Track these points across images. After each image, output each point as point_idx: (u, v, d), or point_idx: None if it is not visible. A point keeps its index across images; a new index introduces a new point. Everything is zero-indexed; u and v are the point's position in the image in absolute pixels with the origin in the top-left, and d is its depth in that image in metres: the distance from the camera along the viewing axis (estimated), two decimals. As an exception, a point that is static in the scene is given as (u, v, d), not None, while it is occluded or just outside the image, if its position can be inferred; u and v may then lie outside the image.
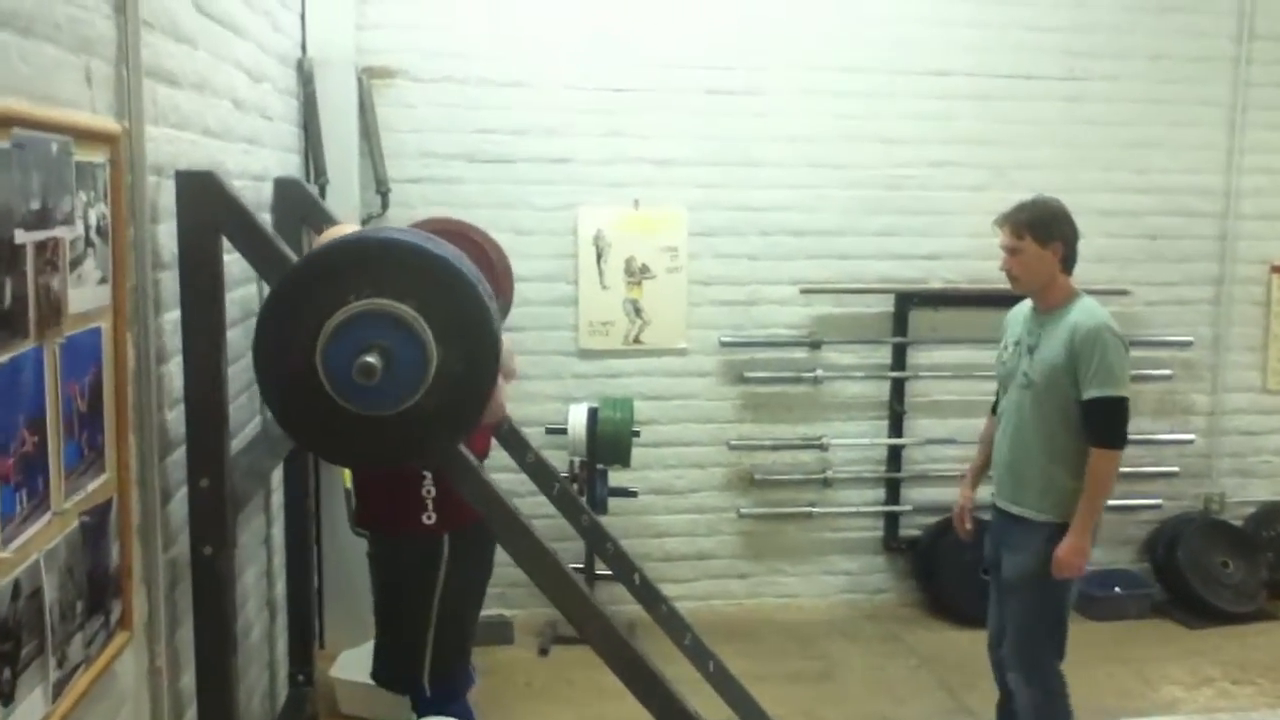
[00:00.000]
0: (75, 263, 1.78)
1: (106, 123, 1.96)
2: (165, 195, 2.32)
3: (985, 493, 3.56)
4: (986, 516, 3.55)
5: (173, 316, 2.36)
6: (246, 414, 3.17)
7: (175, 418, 2.40)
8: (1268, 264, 5.38)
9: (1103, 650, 4.70)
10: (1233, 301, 5.38)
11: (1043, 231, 3.20)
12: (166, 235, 2.35)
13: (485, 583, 3.05)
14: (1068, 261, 3.24)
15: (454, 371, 2.24)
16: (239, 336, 3.10)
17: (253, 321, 3.22)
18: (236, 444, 2.91)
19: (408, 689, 2.98)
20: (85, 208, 1.83)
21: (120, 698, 2.09)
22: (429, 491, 2.83)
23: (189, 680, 2.43)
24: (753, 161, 4.90)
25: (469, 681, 3.15)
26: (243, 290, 3.09)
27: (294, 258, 2.39)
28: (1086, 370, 3.09)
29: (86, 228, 1.83)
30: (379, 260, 2.25)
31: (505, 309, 4.51)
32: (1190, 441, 5.37)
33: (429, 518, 2.84)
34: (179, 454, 2.40)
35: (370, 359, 2.10)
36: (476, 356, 2.29)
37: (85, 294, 1.83)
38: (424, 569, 2.86)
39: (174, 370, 2.39)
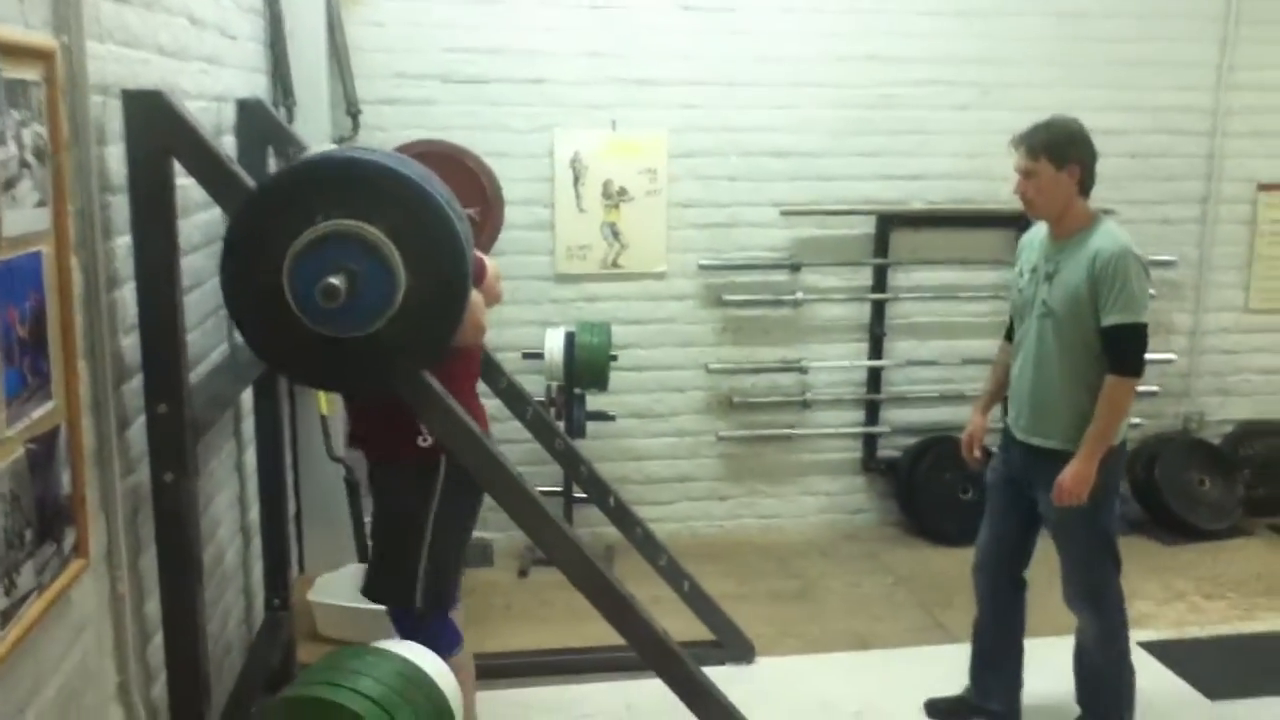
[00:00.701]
0: (9, 184, 1.73)
1: (40, 38, 1.90)
2: (113, 116, 2.26)
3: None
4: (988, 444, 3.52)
5: (125, 241, 2.32)
6: (213, 339, 3.13)
7: (131, 344, 2.36)
8: (1254, 182, 5.33)
9: (1078, 568, 4.75)
10: (1218, 221, 5.34)
11: (1058, 153, 3.08)
12: (116, 158, 2.29)
13: (479, 504, 3.06)
14: (1085, 184, 3.14)
15: (422, 296, 2.23)
16: (204, 260, 3.06)
17: (218, 246, 3.19)
18: (202, 369, 2.89)
19: (399, 604, 3.00)
20: (19, 127, 1.77)
21: (79, 624, 2.09)
22: None
23: (154, 606, 2.44)
24: (734, 82, 4.81)
25: (454, 600, 3.17)
26: (206, 214, 3.03)
27: (248, 181, 2.34)
28: (1108, 296, 3.00)
29: (21, 148, 1.78)
30: (348, 180, 2.23)
31: (494, 234, 4.46)
32: (1171, 361, 5.37)
33: (424, 440, 2.84)
34: (136, 381, 2.37)
35: (334, 280, 2.09)
36: (445, 282, 2.28)
37: (21, 216, 1.78)
38: (420, 489, 2.88)
39: (128, 295, 2.35)
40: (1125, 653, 3.29)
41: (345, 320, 2.17)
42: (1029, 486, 3.27)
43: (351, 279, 2.11)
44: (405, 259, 2.17)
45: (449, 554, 2.98)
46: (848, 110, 4.90)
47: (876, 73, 4.90)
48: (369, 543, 3.08)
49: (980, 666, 3.54)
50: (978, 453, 3.47)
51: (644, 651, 2.60)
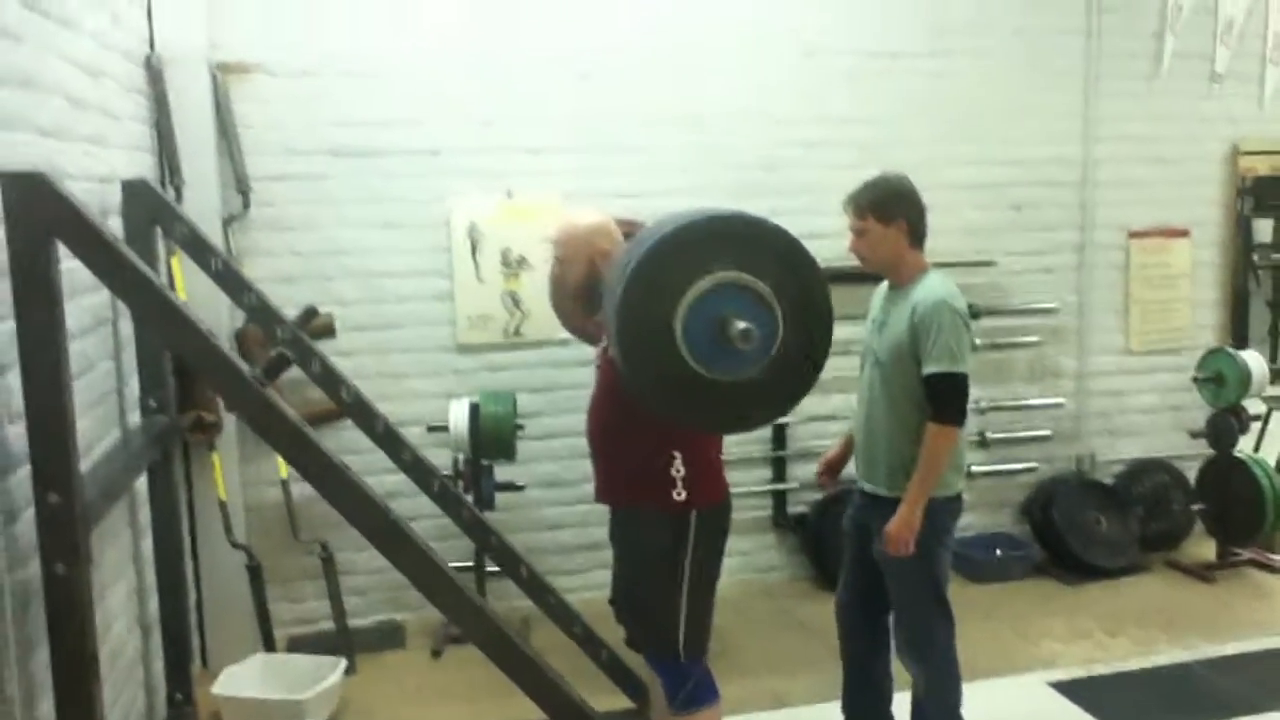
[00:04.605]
0: (-116, 272, 1.66)
1: (-86, 122, 1.84)
2: (-8, 199, 2.19)
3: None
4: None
5: (8, 327, 2.24)
6: (105, 425, 3.04)
7: (18, 433, 2.27)
8: (1125, 230, 5.58)
9: (984, 611, 4.82)
10: (1094, 267, 5.57)
11: (884, 210, 3.19)
12: (-2, 241, 2.22)
13: (723, 552, 3.14)
14: (915, 237, 3.23)
15: (793, 350, 2.49)
16: (95, 344, 2.98)
17: (105, 330, 3.12)
18: (93, 456, 2.80)
19: (665, 654, 3.05)
20: (-107, 213, 1.71)
21: (-34, 732, 1.98)
22: (678, 471, 2.92)
23: (47, 708, 2.32)
24: (626, 147, 4.86)
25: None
26: (95, 297, 2.95)
27: (135, 261, 2.29)
28: (925, 346, 3.09)
29: (-104, 234, 1.72)
30: (746, 237, 2.50)
31: None
32: (1061, 405, 5.55)
33: (679, 494, 2.92)
34: (23, 471, 2.27)
35: (748, 325, 2.36)
36: (813, 339, 2.55)
37: (-102, 305, 1.71)
38: (674, 539, 2.95)
39: (13, 383, 2.26)
40: (957, 707, 3.31)
41: (729, 364, 2.43)
42: (857, 524, 3.38)
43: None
44: (784, 313, 2.43)
45: (705, 601, 3.06)
46: (740, 172, 4.98)
47: (766, 134, 5.01)
48: (626, 593, 3.21)
49: (846, 708, 3.58)
50: (821, 467, 3.63)
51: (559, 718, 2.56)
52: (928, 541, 3.15)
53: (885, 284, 3.39)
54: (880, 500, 3.24)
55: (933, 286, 3.17)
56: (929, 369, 3.09)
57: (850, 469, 3.54)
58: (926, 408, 3.13)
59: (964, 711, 3.34)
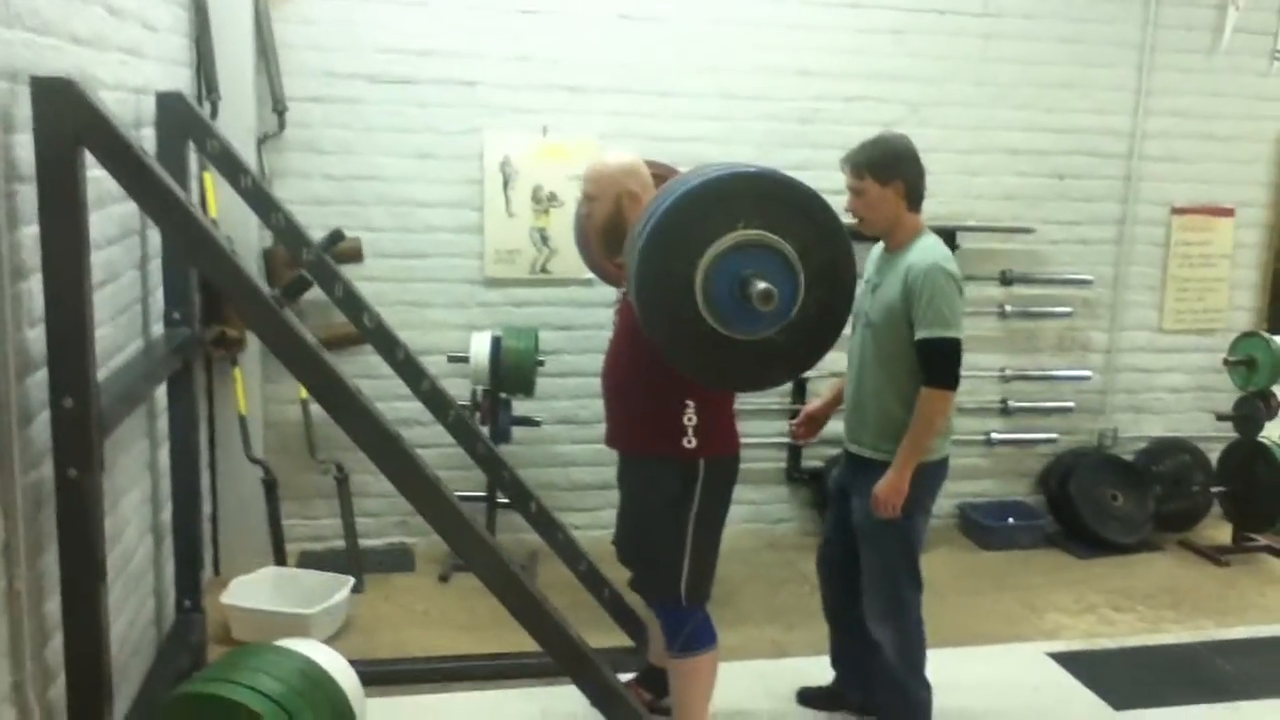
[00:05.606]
0: (-95, 169, 1.69)
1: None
2: (22, 104, 2.21)
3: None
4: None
5: (33, 231, 2.26)
6: (128, 334, 3.08)
7: (37, 336, 2.31)
8: (1168, 206, 5.47)
9: (993, 579, 4.84)
10: (1134, 242, 5.48)
11: (882, 171, 3.12)
12: (25, 146, 2.24)
13: (730, 502, 3.18)
14: (912, 199, 3.17)
15: (812, 313, 2.49)
16: (121, 253, 3.01)
17: (133, 240, 3.15)
18: (113, 364, 2.84)
19: (666, 599, 3.12)
20: (-82, 111, 1.73)
21: (-28, 622, 2.04)
22: (690, 419, 2.94)
23: (54, 606, 2.38)
24: (665, 91, 4.83)
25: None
26: (123, 207, 2.98)
27: (160, 173, 2.31)
28: (918, 310, 3.04)
29: (-81, 133, 1.73)
30: (774, 197, 2.46)
31: None
32: (1087, 378, 5.50)
33: (689, 442, 2.95)
34: (41, 374, 2.31)
35: (769, 286, 2.35)
36: (834, 303, 2.54)
37: (-81, 203, 1.73)
38: (682, 488, 2.99)
39: (35, 287, 2.29)
40: (922, 670, 3.30)
41: (747, 322, 2.42)
42: (843, 487, 3.38)
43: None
44: (807, 277, 2.42)
45: (709, 549, 3.09)
46: (778, 123, 4.94)
47: (806, 87, 4.95)
48: (631, 537, 3.22)
49: (834, 660, 3.63)
50: (800, 425, 3.62)
51: (556, 654, 2.60)
52: (908, 507, 3.12)
53: (878, 245, 3.34)
54: (865, 462, 3.21)
55: (927, 249, 3.12)
56: (921, 334, 3.05)
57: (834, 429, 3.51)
58: (919, 372, 3.10)
59: (958, 676, 3.35)
